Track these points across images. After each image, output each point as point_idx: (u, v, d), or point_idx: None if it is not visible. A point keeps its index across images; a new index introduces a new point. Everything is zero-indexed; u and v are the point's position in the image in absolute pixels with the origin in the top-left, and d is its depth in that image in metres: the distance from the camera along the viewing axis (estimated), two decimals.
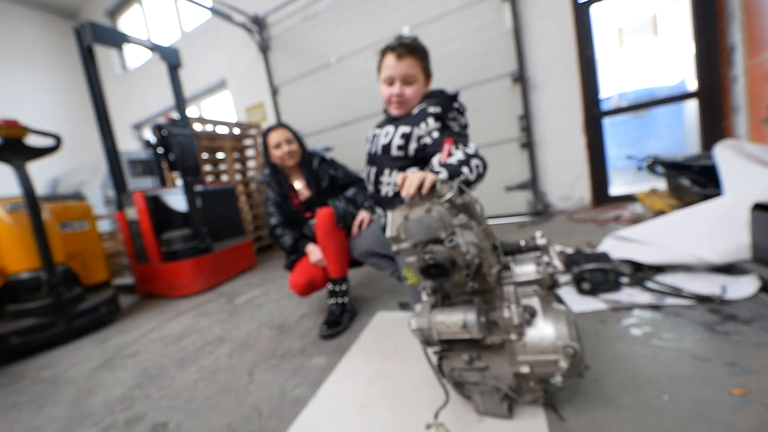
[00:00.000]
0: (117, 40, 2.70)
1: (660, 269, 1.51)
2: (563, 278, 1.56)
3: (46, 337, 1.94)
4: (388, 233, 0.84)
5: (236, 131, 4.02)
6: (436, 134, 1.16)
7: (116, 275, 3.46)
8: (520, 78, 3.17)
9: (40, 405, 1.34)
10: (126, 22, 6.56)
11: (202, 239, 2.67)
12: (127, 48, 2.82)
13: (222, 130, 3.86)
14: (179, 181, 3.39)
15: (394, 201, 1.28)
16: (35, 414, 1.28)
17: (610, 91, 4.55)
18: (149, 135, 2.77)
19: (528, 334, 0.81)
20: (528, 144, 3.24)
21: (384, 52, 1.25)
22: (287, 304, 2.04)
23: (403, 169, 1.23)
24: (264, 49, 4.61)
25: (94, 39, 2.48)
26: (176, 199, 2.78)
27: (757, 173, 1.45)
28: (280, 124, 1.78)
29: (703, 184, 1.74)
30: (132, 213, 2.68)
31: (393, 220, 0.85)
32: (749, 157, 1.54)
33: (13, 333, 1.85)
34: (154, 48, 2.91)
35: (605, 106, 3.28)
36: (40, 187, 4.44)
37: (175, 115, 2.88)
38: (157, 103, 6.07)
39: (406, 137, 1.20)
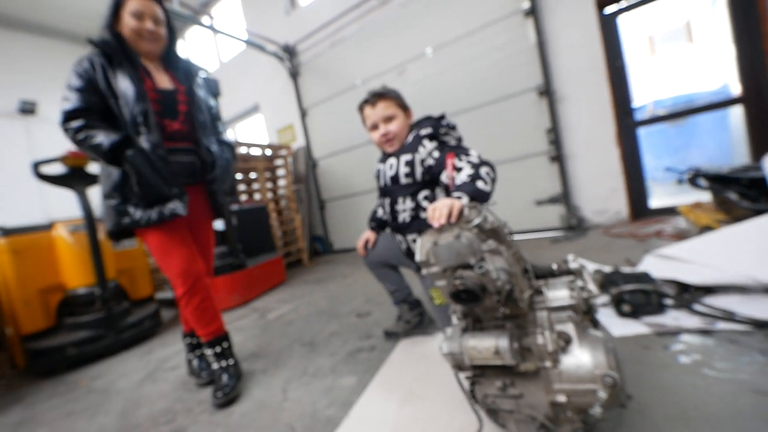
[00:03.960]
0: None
1: (709, 290, 1.41)
2: (600, 300, 1.49)
3: (97, 349, 2.09)
4: (418, 258, 0.86)
5: (268, 152, 4.21)
6: (436, 153, 1.21)
7: (157, 289, 3.67)
8: (546, 91, 3.13)
9: (93, 414, 1.44)
10: (179, 48, 7.13)
11: (237, 256, 2.79)
12: None
13: (255, 151, 4.05)
14: None
15: (412, 225, 1.31)
16: (89, 423, 1.38)
17: (643, 99, 4.39)
18: None
19: (564, 361, 0.79)
20: (558, 157, 3.16)
21: (361, 108, 1.40)
22: (317, 321, 2.08)
23: (414, 194, 1.27)
24: (294, 74, 4.88)
25: None
26: None
27: None
28: None
29: (753, 198, 1.62)
30: None
31: (422, 245, 0.87)
32: None
33: (70, 344, 2.01)
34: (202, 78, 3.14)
35: (639, 115, 3.16)
36: (95, 209, 4.81)
37: None
38: None
39: (410, 164, 1.25)
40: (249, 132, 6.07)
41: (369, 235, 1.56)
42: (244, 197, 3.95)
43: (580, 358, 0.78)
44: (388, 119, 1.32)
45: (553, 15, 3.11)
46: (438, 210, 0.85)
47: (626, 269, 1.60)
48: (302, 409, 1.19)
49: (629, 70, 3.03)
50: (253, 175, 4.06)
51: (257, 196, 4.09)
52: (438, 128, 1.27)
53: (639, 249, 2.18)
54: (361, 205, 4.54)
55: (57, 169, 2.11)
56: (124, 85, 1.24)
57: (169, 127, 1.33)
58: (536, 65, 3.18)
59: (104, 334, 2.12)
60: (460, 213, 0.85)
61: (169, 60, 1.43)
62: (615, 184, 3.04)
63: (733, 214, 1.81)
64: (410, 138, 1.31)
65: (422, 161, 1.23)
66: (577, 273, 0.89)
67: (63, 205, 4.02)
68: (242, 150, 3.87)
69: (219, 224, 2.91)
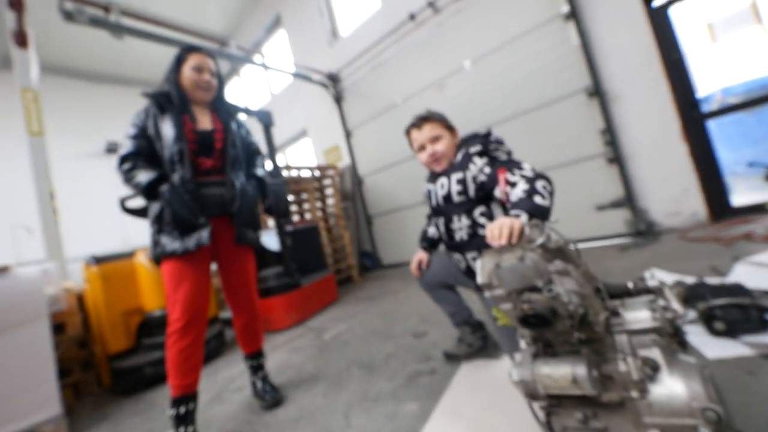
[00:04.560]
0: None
1: None
2: (687, 318, 1.34)
3: None
4: (480, 280, 0.84)
5: (316, 173, 4.41)
6: (487, 169, 1.20)
7: (220, 309, 3.92)
8: (597, 91, 2.96)
9: None
10: (228, 92, 7.84)
11: (293, 275, 2.91)
12: None
13: (305, 173, 4.26)
14: (271, 222, 3.79)
15: (471, 243, 1.27)
16: None
17: (709, 89, 3.97)
18: None
19: (653, 391, 0.71)
20: (616, 158, 2.94)
21: (408, 131, 1.42)
22: (373, 341, 2.08)
23: (469, 211, 1.25)
24: (338, 99, 5.15)
25: None
26: (270, 240, 3.11)
27: None
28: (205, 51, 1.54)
29: None
30: None
31: (483, 266, 0.85)
32: None
33: (148, 364, 2.20)
34: (252, 114, 3.40)
35: (707, 106, 2.86)
36: None
37: (269, 167, 3.28)
38: None
39: (462, 182, 1.24)
40: (298, 155, 6.47)
41: (422, 255, 1.54)
42: (296, 218, 4.15)
43: (671, 387, 0.70)
44: (435, 139, 1.33)
45: (596, 15, 2.99)
46: (497, 230, 0.83)
47: (713, 281, 1.42)
48: None
49: (689, 62, 2.78)
50: (303, 195, 4.27)
51: (308, 216, 4.27)
52: (487, 144, 1.26)
53: (725, 255, 1.93)
54: (407, 219, 4.57)
55: (138, 202, 2.37)
56: (167, 128, 1.41)
57: (204, 164, 1.46)
58: (582, 67, 3.04)
59: None
60: (521, 232, 0.82)
61: (216, 103, 1.59)
62: (687, 182, 2.75)
63: None
64: (459, 156, 1.30)
65: (474, 178, 1.22)
66: (657, 291, 0.81)
67: (140, 233, 4.52)
68: (293, 173, 4.10)
69: (274, 244, 3.08)
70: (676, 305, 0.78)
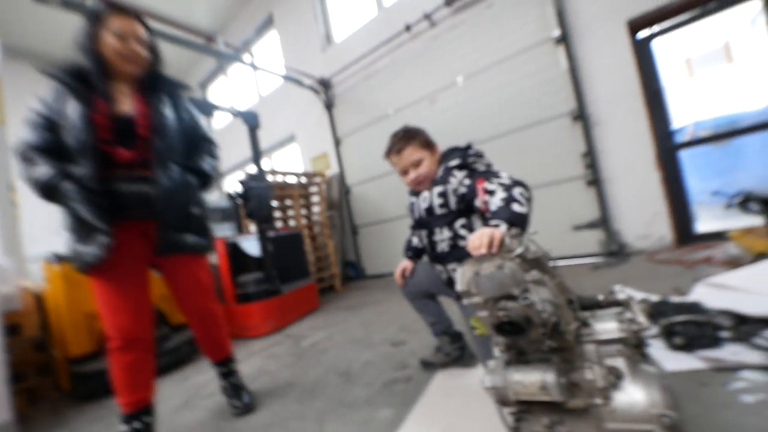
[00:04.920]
0: (209, 109, 3.25)
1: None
2: (650, 332, 1.41)
3: None
4: (459, 287, 0.87)
5: (303, 180, 4.40)
6: (467, 181, 1.23)
7: None
8: (581, 116, 3.12)
9: None
10: (214, 91, 7.74)
11: (273, 282, 2.88)
12: (216, 114, 3.30)
13: (291, 179, 4.24)
14: (253, 227, 3.74)
15: (451, 255, 1.31)
16: None
17: (683, 121, 4.25)
18: (229, 187, 3.14)
19: (616, 398, 0.76)
20: (595, 181, 3.09)
21: (387, 155, 1.44)
22: (351, 349, 2.08)
23: (451, 223, 1.28)
24: (329, 106, 5.13)
25: None
26: (251, 245, 3.06)
27: None
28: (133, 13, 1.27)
29: None
30: (213, 258, 3.00)
31: (463, 274, 0.88)
32: None
33: None
34: (238, 114, 3.38)
35: (679, 137, 3.06)
36: None
37: (253, 169, 3.26)
38: (236, 157, 6.88)
39: (443, 195, 1.28)
40: (285, 161, 6.37)
41: (406, 264, 1.57)
42: (279, 224, 4.11)
43: (633, 395, 0.75)
44: (417, 164, 1.34)
45: (585, 42, 3.14)
46: (478, 240, 0.87)
47: (675, 299, 1.51)
48: None
49: (667, 94, 2.98)
50: (288, 202, 4.23)
51: (292, 222, 4.24)
52: (465, 157, 1.30)
53: (687, 277, 2.05)
54: (393, 231, 4.59)
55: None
56: (72, 112, 1.15)
57: (121, 155, 1.20)
58: (569, 91, 3.18)
59: None
60: (501, 242, 0.86)
61: (148, 82, 1.33)
62: (657, 208, 2.91)
63: None
64: (440, 171, 1.33)
65: (455, 191, 1.26)
66: (625, 304, 0.86)
67: None
68: (278, 178, 4.07)
69: (255, 250, 3.04)
70: (641, 318, 0.83)
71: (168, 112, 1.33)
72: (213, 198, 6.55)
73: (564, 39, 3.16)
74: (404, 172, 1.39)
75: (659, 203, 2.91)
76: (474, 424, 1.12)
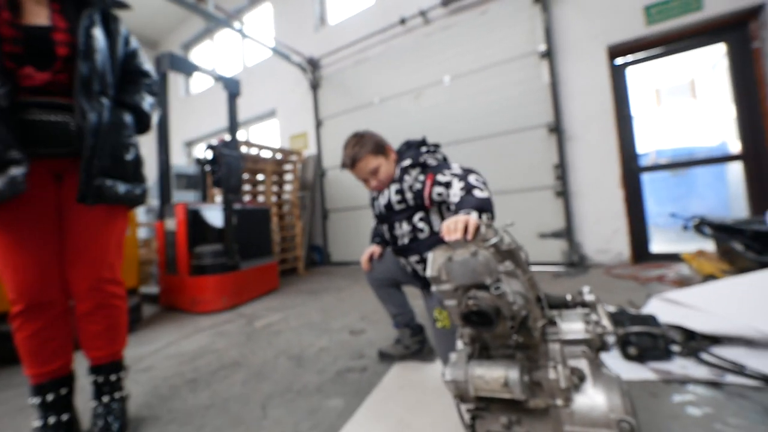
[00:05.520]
0: (189, 69, 3.06)
1: (715, 340, 1.36)
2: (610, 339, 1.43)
3: None
4: (429, 273, 0.81)
5: (278, 156, 4.21)
6: (422, 177, 1.25)
7: (143, 283, 3.55)
8: (556, 129, 3.20)
9: None
10: (197, 54, 7.30)
11: (232, 256, 2.71)
12: (196, 76, 3.10)
13: (266, 154, 4.04)
14: (219, 198, 3.53)
15: (411, 248, 1.30)
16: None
17: (647, 147, 4.51)
18: (200, 153, 2.95)
19: (576, 401, 0.73)
20: (563, 193, 3.17)
21: (343, 167, 1.38)
22: (307, 333, 1.99)
23: (409, 218, 1.28)
24: (314, 86, 4.98)
25: (170, 66, 2.78)
26: (214, 215, 2.88)
27: None
28: None
29: (758, 250, 1.60)
30: (171, 224, 2.79)
31: (434, 259, 0.82)
32: None
33: None
34: (219, 78, 3.17)
35: (643, 162, 3.22)
36: None
37: (227, 137, 3.06)
38: (211, 125, 6.55)
39: (400, 192, 1.28)
40: (263, 135, 6.12)
41: (374, 248, 1.51)
42: (247, 197, 3.91)
43: (594, 398, 0.72)
44: (374, 171, 1.31)
45: (567, 60, 3.25)
46: (453, 224, 0.82)
47: (632, 311, 1.55)
48: (281, 429, 1.10)
49: (636, 119, 3.16)
50: (260, 176, 4.04)
51: (261, 198, 4.06)
52: (417, 156, 1.30)
53: (641, 292, 2.14)
54: (363, 220, 4.52)
55: None
56: None
57: (31, 78, 0.99)
58: (548, 104, 3.27)
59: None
60: (477, 230, 0.81)
61: None
62: (618, 225, 3.03)
63: (737, 265, 1.78)
64: (397, 172, 1.32)
65: (410, 187, 1.26)
66: (592, 306, 0.84)
67: None
68: (252, 150, 3.86)
69: (218, 220, 2.86)
70: (606, 321, 0.81)
71: (98, 33, 1.08)
72: (180, 164, 6.20)
73: (549, 54, 3.25)
74: (365, 180, 1.36)
75: (620, 221, 3.03)
76: (427, 420, 1.08)
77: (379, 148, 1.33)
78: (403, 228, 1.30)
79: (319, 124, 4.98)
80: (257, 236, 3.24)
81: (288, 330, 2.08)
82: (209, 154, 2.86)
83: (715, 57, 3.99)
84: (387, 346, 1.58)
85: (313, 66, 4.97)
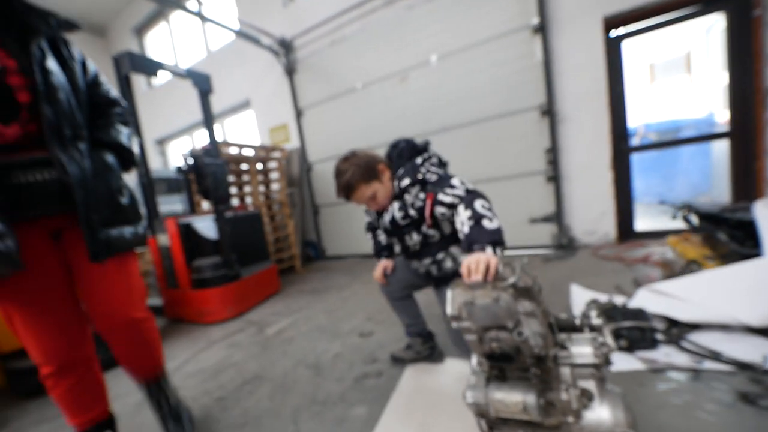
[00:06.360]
0: (153, 68, 2.78)
1: (695, 326, 1.52)
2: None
3: None
4: (449, 311, 0.89)
5: (261, 154, 4.13)
6: (422, 195, 1.27)
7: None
8: (549, 111, 3.20)
9: None
10: (152, 40, 6.72)
11: (232, 267, 2.74)
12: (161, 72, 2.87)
13: (247, 152, 3.94)
14: (206, 204, 3.49)
15: (424, 252, 1.36)
16: None
17: (636, 121, 4.60)
18: (179, 159, 2.80)
19: (585, 417, 0.84)
20: (554, 177, 3.26)
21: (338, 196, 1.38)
22: (318, 339, 2.08)
23: (417, 229, 1.32)
24: (290, 71, 4.74)
25: (131, 68, 2.56)
26: (206, 226, 2.86)
27: None
28: None
29: (740, 240, 1.75)
30: (164, 239, 2.78)
31: (453, 298, 0.90)
32: None
33: None
34: (187, 75, 2.99)
35: (632, 136, 3.28)
36: None
37: (206, 143, 2.99)
38: (182, 120, 6.23)
39: (403, 208, 1.31)
40: (239, 129, 5.87)
41: (385, 262, 1.57)
42: (235, 201, 3.87)
43: (600, 414, 0.83)
44: (372, 198, 1.32)
45: (561, 34, 3.15)
46: (474, 265, 0.89)
47: (623, 304, 1.68)
48: None
49: (628, 97, 3.12)
50: (245, 177, 3.98)
51: (249, 199, 4.03)
52: (415, 173, 1.28)
53: (627, 275, 2.30)
54: (355, 213, 4.52)
55: None
56: None
57: (3, 134, 0.89)
58: (540, 84, 3.23)
59: None
60: (496, 271, 0.88)
61: (4, 19, 0.92)
62: (606, 207, 3.17)
63: (719, 251, 1.94)
64: (396, 189, 1.32)
65: (412, 204, 1.29)
66: (599, 329, 0.94)
67: None
68: (232, 150, 3.76)
69: (211, 232, 2.85)
70: (611, 341, 0.91)
71: (53, 66, 0.95)
72: (156, 168, 5.97)
73: (542, 29, 3.14)
74: (366, 205, 1.38)
75: (608, 203, 3.17)
76: (445, 422, 1.20)
77: (371, 173, 1.29)
78: (413, 238, 1.34)
79: (299, 114, 4.81)
80: (252, 242, 3.25)
81: (299, 336, 2.17)
82: (190, 161, 2.78)
83: (708, 23, 3.96)
84: (398, 350, 1.68)
85: (285, 48, 4.65)
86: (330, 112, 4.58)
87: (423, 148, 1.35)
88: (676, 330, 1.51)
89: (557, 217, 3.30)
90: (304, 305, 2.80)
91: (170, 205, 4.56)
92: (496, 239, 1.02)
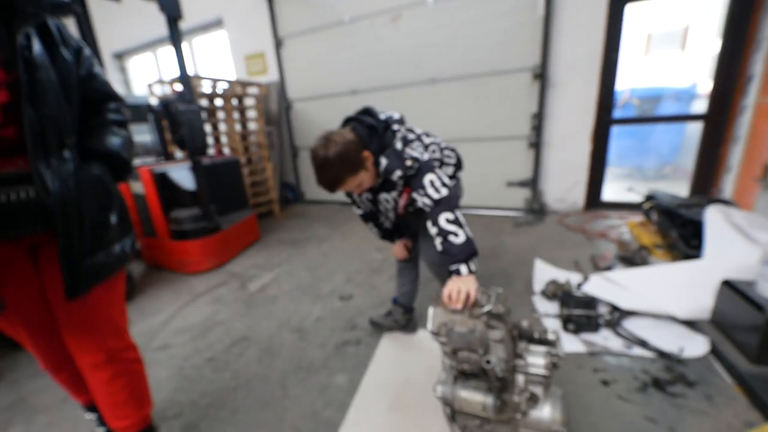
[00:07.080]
0: None
1: (632, 313, 1.76)
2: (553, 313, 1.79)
3: None
4: (429, 327, 1.00)
5: (237, 90, 3.80)
6: (401, 183, 1.35)
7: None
8: (541, 75, 3.11)
9: None
10: None
11: (212, 219, 2.73)
12: None
13: (222, 85, 3.62)
14: (179, 153, 3.30)
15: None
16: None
17: (623, 86, 4.54)
18: (141, 77, 2.56)
19: (530, 414, 1.03)
20: (536, 144, 3.29)
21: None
22: (300, 300, 2.22)
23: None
24: None
25: None
26: (183, 175, 2.76)
27: (737, 245, 1.65)
28: None
29: (687, 238, 1.94)
30: (138, 187, 2.67)
31: (435, 316, 1.01)
32: (735, 226, 1.73)
33: None
34: None
35: (616, 101, 3.27)
36: None
37: (179, 87, 2.72)
38: (143, 34, 5.45)
39: (397, 199, 1.45)
40: (210, 52, 5.26)
41: (401, 242, 1.69)
42: (210, 141, 3.67)
43: (542, 413, 1.02)
44: (358, 186, 1.32)
45: None
46: (456, 294, 0.99)
47: (577, 293, 1.88)
48: (303, 408, 1.39)
49: (620, 66, 3.06)
50: (221, 114, 3.72)
51: (224, 139, 3.82)
52: (405, 170, 1.28)
53: (586, 249, 2.52)
54: None
55: None
56: None
57: None
58: (537, 44, 3.09)
59: None
60: (475, 300, 0.99)
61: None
62: (579, 177, 3.30)
63: (667, 240, 2.15)
64: (383, 174, 1.32)
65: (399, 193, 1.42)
66: (553, 344, 1.09)
67: None
68: (205, 86, 3.44)
69: (189, 183, 2.75)
70: (562, 352, 1.08)
71: (42, 59, 0.80)
72: (117, 88, 5.32)
73: None
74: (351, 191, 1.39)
75: (582, 173, 3.29)
76: (416, 395, 1.40)
77: (357, 162, 1.25)
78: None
79: (278, 43, 4.37)
80: (230, 190, 3.19)
81: (282, 295, 2.30)
82: (158, 105, 2.56)
83: None
84: (378, 316, 1.84)
85: None
86: (313, 45, 4.19)
87: (388, 122, 1.37)
88: (617, 315, 1.75)
89: (533, 182, 3.41)
90: (285, 259, 2.89)
91: (138, 135, 4.23)
92: (467, 255, 1.12)
